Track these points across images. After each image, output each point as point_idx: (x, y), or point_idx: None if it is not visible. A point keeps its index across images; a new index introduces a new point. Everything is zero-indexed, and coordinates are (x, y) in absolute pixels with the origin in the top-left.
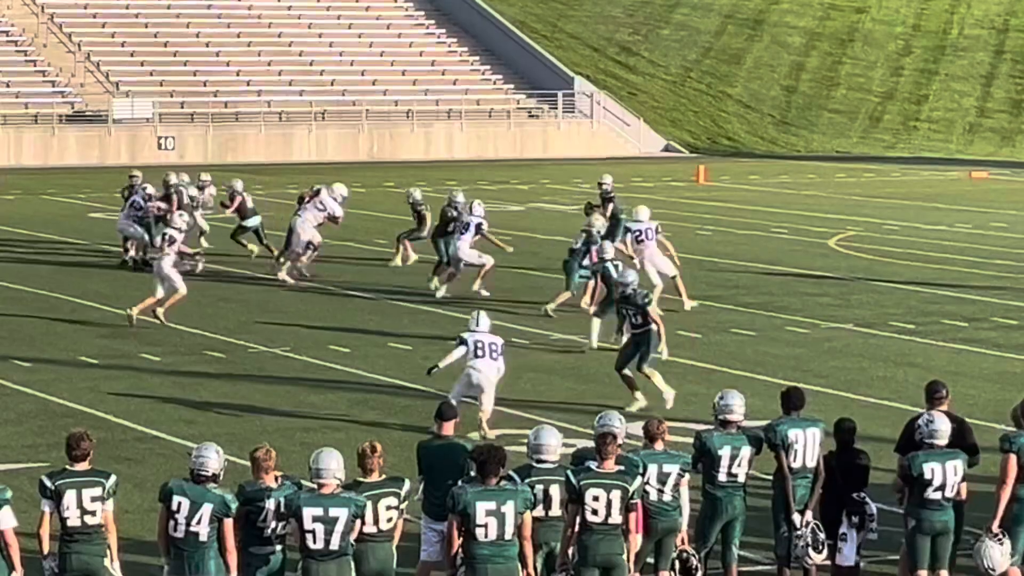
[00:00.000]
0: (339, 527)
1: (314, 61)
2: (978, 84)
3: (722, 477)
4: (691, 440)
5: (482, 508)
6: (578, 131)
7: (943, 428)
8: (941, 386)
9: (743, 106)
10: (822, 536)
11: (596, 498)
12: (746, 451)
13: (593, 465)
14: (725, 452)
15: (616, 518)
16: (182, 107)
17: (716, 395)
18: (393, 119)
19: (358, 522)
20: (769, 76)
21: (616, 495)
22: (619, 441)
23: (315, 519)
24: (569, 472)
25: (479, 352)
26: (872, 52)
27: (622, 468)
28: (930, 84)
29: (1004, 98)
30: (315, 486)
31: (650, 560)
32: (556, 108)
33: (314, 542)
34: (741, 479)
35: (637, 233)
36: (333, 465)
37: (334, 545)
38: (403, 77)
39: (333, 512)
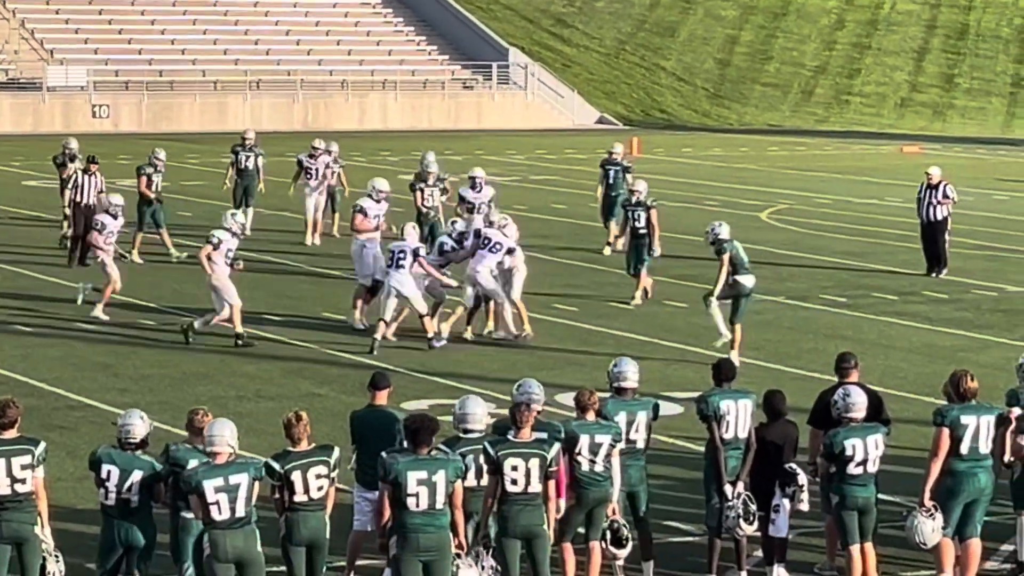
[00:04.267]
0: (242, 492)
1: (249, 31)
2: (910, 59)
3: (620, 444)
4: None
5: (413, 477)
6: (512, 103)
7: (860, 401)
8: (850, 356)
9: (677, 79)
10: (753, 507)
11: (515, 467)
12: (642, 416)
13: (510, 435)
14: (621, 419)
15: (536, 487)
16: (116, 75)
17: (611, 363)
18: (328, 89)
19: (257, 484)
20: (703, 49)
21: (535, 463)
22: (536, 408)
23: (217, 490)
24: (487, 443)
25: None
26: (805, 26)
27: (541, 436)
28: (863, 58)
29: (936, 72)
30: (208, 456)
31: (581, 531)
32: (491, 79)
33: (219, 513)
34: (640, 445)
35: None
36: (227, 433)
37: (240, 512)
38: (338, 47)
39: (233, 480)
